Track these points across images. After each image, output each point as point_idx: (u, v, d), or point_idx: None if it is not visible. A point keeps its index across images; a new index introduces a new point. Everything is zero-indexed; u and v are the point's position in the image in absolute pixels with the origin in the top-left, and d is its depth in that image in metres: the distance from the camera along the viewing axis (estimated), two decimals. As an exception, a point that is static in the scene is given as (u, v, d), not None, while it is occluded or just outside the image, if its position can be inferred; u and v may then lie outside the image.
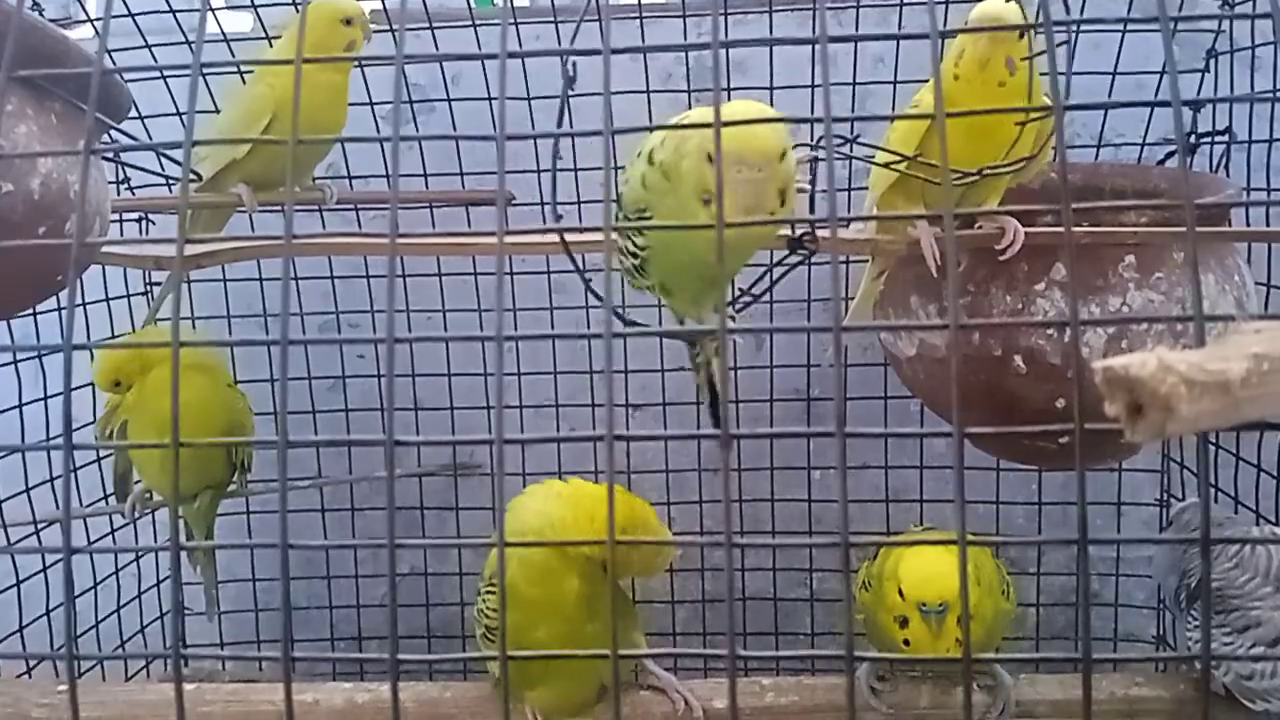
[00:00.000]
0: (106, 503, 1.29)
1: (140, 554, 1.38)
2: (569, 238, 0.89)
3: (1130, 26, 1.22)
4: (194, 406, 1.13)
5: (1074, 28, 1.12)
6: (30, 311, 1.09)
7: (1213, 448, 1.18)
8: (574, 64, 0.84)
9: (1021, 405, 1.00)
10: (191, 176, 1.20)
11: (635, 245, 0.88)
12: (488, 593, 1.01)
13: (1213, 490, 1.18)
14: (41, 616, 1.19)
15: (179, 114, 1.24)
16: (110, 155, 1.21)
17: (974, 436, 1.12)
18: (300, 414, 1.41)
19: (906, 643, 0.96)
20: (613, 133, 0.46)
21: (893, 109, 1.28)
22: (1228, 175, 1.21)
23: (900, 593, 0.96)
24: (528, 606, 0.93)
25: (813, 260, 1.32)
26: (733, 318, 0.94)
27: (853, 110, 1.29)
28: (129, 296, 1.37)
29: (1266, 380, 0.40)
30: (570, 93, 0.84)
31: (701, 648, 1.36)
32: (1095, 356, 0.95)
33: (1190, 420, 0.38)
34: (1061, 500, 1.38)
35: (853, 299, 1.20)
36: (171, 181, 1.28)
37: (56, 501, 1.19)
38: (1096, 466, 1.29)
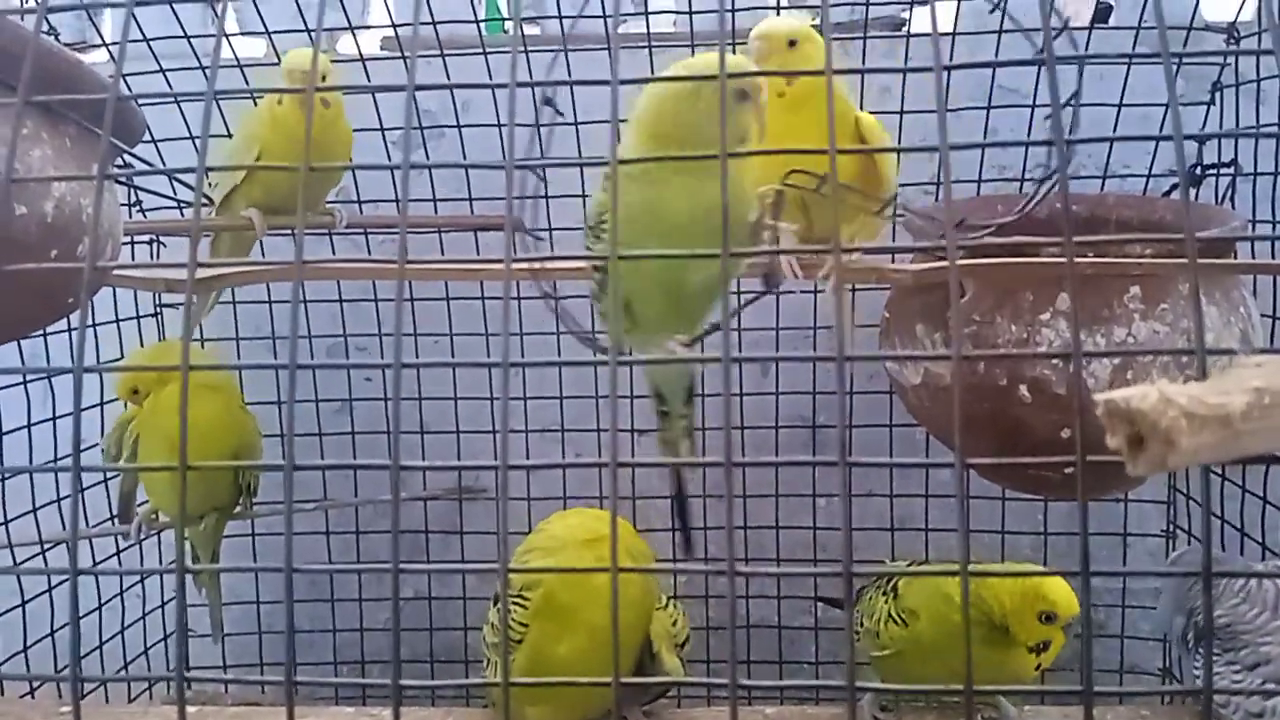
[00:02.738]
0: (113, 524, 1.30)
1: (145, 576, 1.39)
2: (576, 264, 0.89)
3: (1135, 60, 1.22)
4: (204, 426, 1.14)
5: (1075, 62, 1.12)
6: (40, 333, 1.10)
7: (1219, 479, 1.18)
8: (554, 91, 0.84)
9: (1027, 435, 1.00)
10: (204, 201, 1.21)
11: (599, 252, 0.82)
12: (516, 604, 0.99)
13: (1218, 522, 1.17)
14: (46, 637, 1.19)
15: (192, 138, 1.26)
16: (123, 181, 1.22)
17: (978, 466, 1.11)
18: (307, 436, 1.41)
19: (1038, 667, 0.98)
20: (620, 162, 0.47)
21: (899, 141, 1.29)
22: (1233, 207, 1.22)
23: (1048, 616, 0.96)
24: (562, 614, 0.94)
25: (818, 289, 1.34)
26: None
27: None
28: (139, 318, 1.38)
29: (1267, 414, 0.40)
30: (549, 120, 0.84)
31: (705, 676, 1.35)
32: (1100, 387, 0.95)
33: (1191, 453, 0.38)
34: (1067, 530, 1.38)
35: (859, 326, 1.20)
36: (183, 205, 1.29)
37: (63, 522, 1.19)
38: (1102, 497, 1.29)
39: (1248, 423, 0.39)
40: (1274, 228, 1.21)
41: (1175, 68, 0.47)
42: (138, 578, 1.38)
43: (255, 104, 1.20)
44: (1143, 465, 0.39)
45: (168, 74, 1.24)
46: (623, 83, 0.50)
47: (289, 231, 1.20)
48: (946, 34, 1.21)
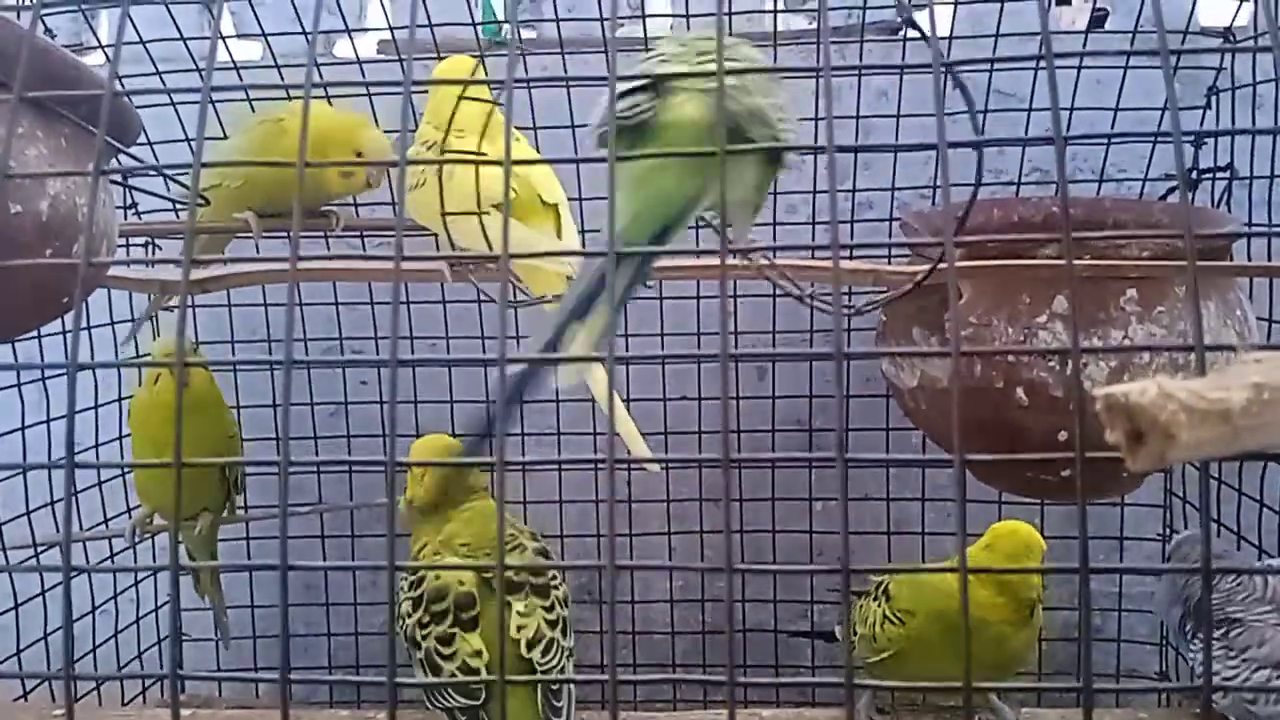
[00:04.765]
0: (107, 527, 1.29)
1: (140, 578, 1.38)
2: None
3: (1131, 64, 1.23)
4: (186, 424, 1.14)
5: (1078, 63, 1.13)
6: (35, 335, 1.10)
7: (1215, 482, 1.18)
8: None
9: (1024, 438, 1.00)
10: (200, 200, 1.21)
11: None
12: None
13: (1215, 525, 1.17)
14: (39, 641, 1.18)
15: (188, 140, 1.25)
16: (118, 180, 1.21)
17: (976, 469, 1.11)
18: (302, 439, 1.41)
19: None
20: (617, 158, 0.47)
21: (896, 139, 1.29)
22: (1229, 211, 1.22)
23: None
24: None
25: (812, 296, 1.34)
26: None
27: (856, 140, 1.30)
28: (133, 322, 1.37)
29: (1267, 409, 0.40)
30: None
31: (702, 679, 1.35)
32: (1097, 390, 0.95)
33: (1190, 448, 0.38)
34: (1064, 535, 1.37)
35: (855, 330, 1.20)
36: (178, 205, 1.28)
37: (57, 525, 1.19)
38: (1099, 500, 1.28)
39: (1247, 418, 0.39)
40: (1270, 230, 1.21)
41: (1174, 67, 0.47)
42: (131, 581, 1.37)
43: (253, 110, 1.20)
44: (1142, 461, 0.39)
45: (164, 77, 1.24)
46: (620, 79, 0.50)
47: (285, 234, 1.20)
48: (944, 36, 1.21)
